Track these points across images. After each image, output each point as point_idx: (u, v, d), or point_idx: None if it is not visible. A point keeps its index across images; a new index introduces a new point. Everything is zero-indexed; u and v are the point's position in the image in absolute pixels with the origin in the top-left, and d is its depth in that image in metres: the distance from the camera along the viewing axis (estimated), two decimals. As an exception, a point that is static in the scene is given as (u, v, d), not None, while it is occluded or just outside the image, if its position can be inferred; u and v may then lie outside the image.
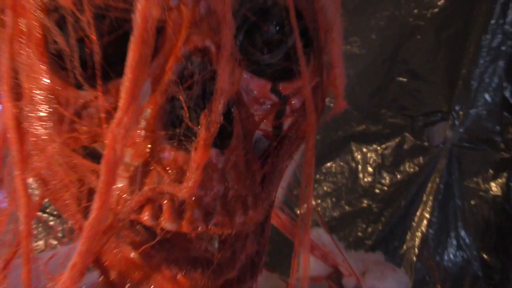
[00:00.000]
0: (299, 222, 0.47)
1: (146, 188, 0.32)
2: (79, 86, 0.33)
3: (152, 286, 0.36)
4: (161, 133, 0.32)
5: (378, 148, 1.30)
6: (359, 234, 1.29)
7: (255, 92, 0.37)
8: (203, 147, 0.30)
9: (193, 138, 0.31)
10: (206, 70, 0.32)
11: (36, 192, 0.40)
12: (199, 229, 0.32)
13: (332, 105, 0.46)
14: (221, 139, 0.32)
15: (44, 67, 0.34)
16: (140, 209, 0.33)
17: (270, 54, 0.38)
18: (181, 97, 0.31)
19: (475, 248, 1.23)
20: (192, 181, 0.30)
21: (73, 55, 0.33)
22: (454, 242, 1.24)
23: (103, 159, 0.30)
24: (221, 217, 0.33)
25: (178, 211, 0.32)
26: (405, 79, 1.28)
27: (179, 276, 0.35)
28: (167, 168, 0.32)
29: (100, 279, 0.38)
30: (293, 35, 0.37)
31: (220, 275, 0.36)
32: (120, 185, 0.33)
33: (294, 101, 0.39)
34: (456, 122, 1.21)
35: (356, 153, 1.33)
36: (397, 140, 1.28)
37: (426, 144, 1.24)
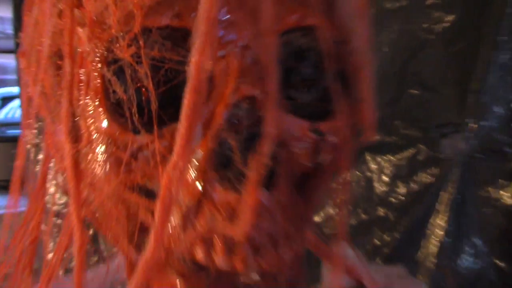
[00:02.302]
0: (331, 245, 0.50)
1: (199, 226, 0.33)
2: (136, 131, 0.34)
3: None
4: (212, 174, 0.32)
5: (393, 158, 1.33)
6: (376, 242, 1.32)
7: (295, 132, 0.38)
8: (253, 188, 0.31)
9: (243, 179, 0.31)
10: (253, 115, 0.33)
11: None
12: (252, 267, 0.33)
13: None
14: (268, 180, 0.33)
15: (102, 113, 0.35)
16: (193, 247, 0.34)
17: (307, 94, 0.38)
18: (231, 140, 0.32)
19: (490, 255, 1.25)
20: (245, 221, 0.31)
21: (131, 103, 0.34)
22: (470, 249, 1.25)
23: (159, 199, 0.31)
24: (271, 255, 0.34)
25: (231, 250, 0.33)
26: (417, 92, 1.31)
27: None
28: (219, 208, 0.33)
29: None
30: (328, 76, 0.38)
31: None
32: (174, 223, 0.34)
33: (332, 138, 0.39)
34: (468, 134, 1.24)
35: (371, 163, 1.36)
36: (411, 151, 1.30)
37: (440, 155, 1.26)
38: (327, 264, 0.81)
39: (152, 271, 0.32)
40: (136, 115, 0.34)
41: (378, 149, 1.34)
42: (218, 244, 0.33)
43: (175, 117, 0.32)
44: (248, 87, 0.33)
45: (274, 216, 0.34)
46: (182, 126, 0.31)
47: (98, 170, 0.36)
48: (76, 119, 0.37)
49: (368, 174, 1.36)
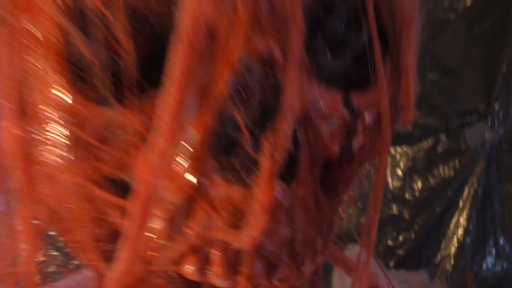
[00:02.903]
0: (360, 254, 0.42)
1: (190, 233, 0.26)
2: (103, 102, 0.27)
3: None
4: (211, 162, 0.26)
5: (409, 150, 1.23)
6: (389, 243, 1.22)
7: (323, 106, 0.31)
8: (268, 181, 0.24)
9: (253, 169, 0.25)
10: (268, 81, 0.26)
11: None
12: (260, 287, 0.27)
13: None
14: (286, 170, 0.26)
15: (59, 79, 0.28)
16: (180, 259, 0.27)
17: (339, 58, 0.32)
18: (237, 116, 0.25)
19: (516, 257, 1.16)
20: (255, 226, 0.25)
21: (100, 66, 0.27)
22: (493, 250, 1.17)
23: (133, 194, 0.25)
24: (288, 270, 0.27)
25: (233, 263, 0.27)
26: (436, 76, 1.22)
27: None
28: (219, 208, 0.26)
29: None
30: (366, 34, 0.31)
31: None
32: (154, 228, 0.27)
33: (367, 116, 0.32)
34: (495, 123, 1.14)
35: (384, 156, 1.26)
36: (430, 142, 1.21)
37: (462, 146, 1.17)
38: (338, 270, 0.76)
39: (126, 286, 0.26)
40: (106, 82, 0.27)
41: (392, 139, 1.23)
42: (215, 256, 0.27)
43: (159, 83, 0.25)
44: (263, 43, 0.26)
45: (293, 219, 0.27)
46: (167, 93, 0.24)
47: (54, 157, 0.29)
48: (22, 89, 0.30)
49: (380, 167, 1.26)
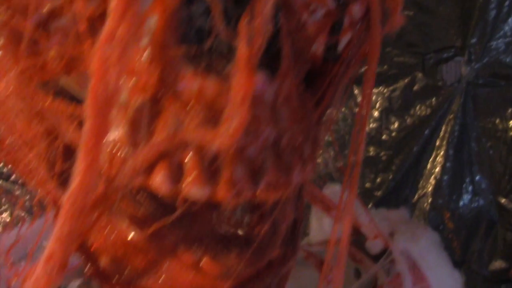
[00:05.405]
0: (345, 180, 0.38)
1: (157, 137, 0.23)
2: None
3: (163, 276, 0.27)
4: (177, 51, 0.22)
5: (385, 90, 1.19)
6: (367, 185, 1.21)
7: None
8: (247, 69, 0.21)
9: (229, 57, 0.22)
10: None
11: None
12: (244, 194, 0.23)
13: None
14: (268, 60, 0.23)
15: None
16: (148, 169, 0.23)
17: None
18: None
19: (491, 193, 1.16)
20: (235, 123, 0.21)
21: None
22: (469, 187, 1.16)
23: (88, 97, 0.20)
24: (275, 175, 0.24)
25: (210, 169, 0.23)
26: (411, 13, 1.16)
27: (204, 261, 0.27)
28: (190, 105, 0.22)
29: (87, 269, 0.29)
30: None
31: (261, 256, 0.27)
32: (115, 136, 0.23)
33: (355, 10, 0.29)
34: (472, 57, 1.11)
35: (359, 97, 1.23)
36: (406, 80, 1.17)
37: (439, 83, 1.14)
38: (317, 210, 0.73)
39: (84, 212, 0.21)
40: None
41: (368, 80, 1.19)
42: (189, 161, 0.23)
43: None
44: None
45: (277, 118, 0.24)
46: None
47: None
48: None
49: (356, 110, 1.23)
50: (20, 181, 1.04)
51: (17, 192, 1.02)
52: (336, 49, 0.29)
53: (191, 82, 0.22)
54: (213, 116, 0.22)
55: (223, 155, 0.23)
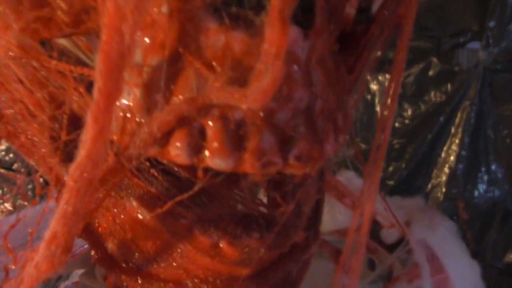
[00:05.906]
0: (370, 162, 0.35)
1: (175, 100, 0.20)
2: None
3: (175, 262, 0.24)
4: (200, 2, 0.20)
5: (398, 76, 1.16)
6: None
7: None
8: (280, 22, 0.18)
9: (259, 9, 0.19)
10: None
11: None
12: (272, 166, 0.21)
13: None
14: (302, 14, 0.21)
15: None
16: (164, 138, 0.21)
17: None
18: None
19: (508, 183, 1.12)
20: (267, 80, 0.18)
21: None
22: (485, 177, 1.13)
23: (98, 55, 0.18)
24: (307, 145, 0.22)
25: (236, 137, 0.21)
26: None
27: (222, 244, 0.24)
28: (213, 63, 0.20)
29: (92, 255, 0.26)
30: None
31: (284, 240, 0.25)
32: (127, 101, 0.21)
33: None
34: (490, 42, 1.07)
35: (372, 84, 1.19)
36: (420, 66, 1.13)
37: (454, 69, 1.10)
38: (329, 198, 0.71)
39: (92, 187, 0.19)
40: None
41: (380, 66, 1.16)
42: (212, 128, 0.20)
43: None
44: None
45: (311, 78, 0.21)
46: None
47: None
48: None
49: (368, 96, 1.19)
50: (22, 170, 1.02)
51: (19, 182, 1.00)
52: (369, 11, 0.27)
53: (215, 37, 0.20)
54: (240, 74, 0.19)
55: (250, 121, 0.20)
